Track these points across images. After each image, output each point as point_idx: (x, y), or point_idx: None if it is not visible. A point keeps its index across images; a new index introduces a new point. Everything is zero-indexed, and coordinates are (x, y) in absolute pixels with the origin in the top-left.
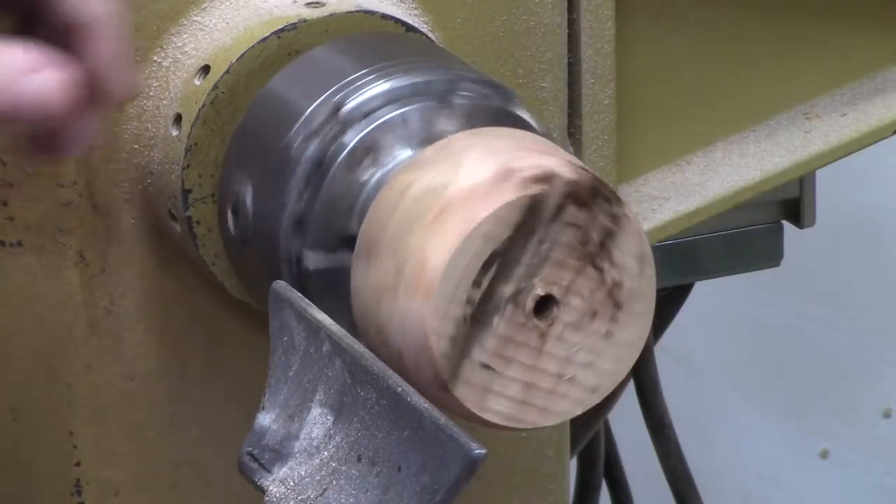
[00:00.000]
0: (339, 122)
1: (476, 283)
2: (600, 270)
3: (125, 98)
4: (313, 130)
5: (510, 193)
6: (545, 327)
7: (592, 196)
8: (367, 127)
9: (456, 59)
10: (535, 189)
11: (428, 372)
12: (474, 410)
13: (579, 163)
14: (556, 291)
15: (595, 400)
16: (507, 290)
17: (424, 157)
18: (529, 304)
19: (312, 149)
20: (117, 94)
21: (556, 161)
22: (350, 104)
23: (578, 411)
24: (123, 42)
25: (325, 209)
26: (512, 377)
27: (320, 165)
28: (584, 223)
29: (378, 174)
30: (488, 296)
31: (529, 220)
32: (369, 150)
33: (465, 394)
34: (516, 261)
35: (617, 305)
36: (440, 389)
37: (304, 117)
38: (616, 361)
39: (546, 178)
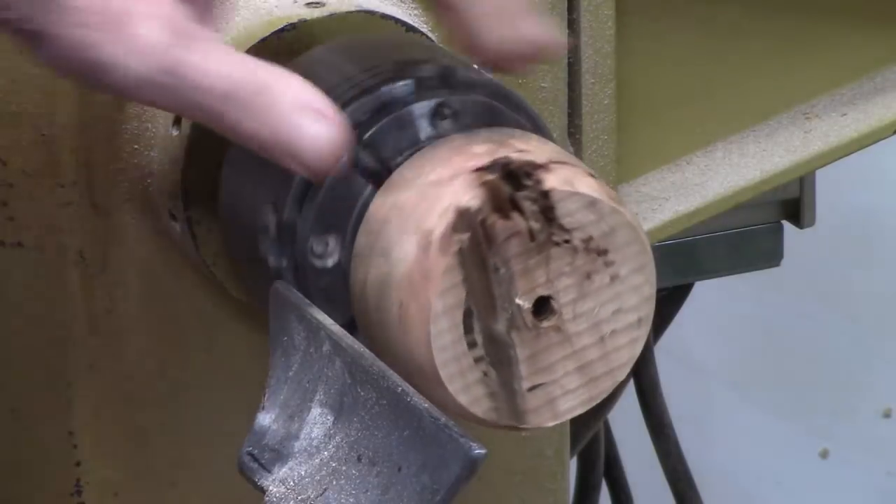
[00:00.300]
0: (288, 227)
1: (471, 345)
2: (564, 242)
3: (546, 55)
4: (274, 238)
5: (440, 260)
6: (556, 321)
7: (514, 187)
8: (310, 217)
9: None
10: (458, 240)
11: (496, 428)
12: (553, 423)
13: (479, 158)
14: (540, 291)
15: (646, 328)
16: (501, 325)
17: (360, 248)
18: (528, 318)
19: (285, 261)
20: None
21: (458, 186)
22: (286, 209)
23: (640, 347)
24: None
25: (325, 305)
26: (563, 374)
27: (297, 270)
28: (520, 226)
29: (344, 258)
30: (489, 342)
31: (473, 265)
32: (326, 233)
33: (537, 419)
34: (489, 300)
35: (602, 253)
36: (518, 431)
37: (259, 225)
38: (637, 291)
39: (458, 221)
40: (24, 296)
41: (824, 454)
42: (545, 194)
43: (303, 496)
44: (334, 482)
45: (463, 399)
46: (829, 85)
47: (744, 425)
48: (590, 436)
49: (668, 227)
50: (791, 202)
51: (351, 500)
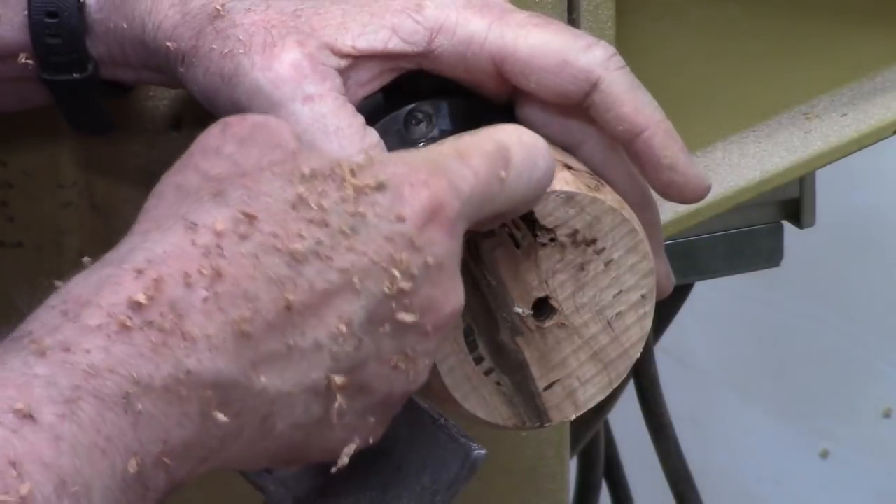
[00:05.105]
0: None
1: (478, 360)
2: (550, 241)
3: (699, 194)
4: None
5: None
6: (558, 318)
7: None
8: None
9: None
10: None
11: (523, 431)
12: (577, 414)
13: None
14: (536, 294)
15: (651, 303)
16: (504, 335)
17: None
18: (530, 322)
19: None
20: (689, 193)
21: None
22: None
23: (649, 322)
24: (678, 143)
25: None
26: (577, 366)
27: None
28: (502, 237)
29: None
30: (496, 352)
31: (464, 285)
32: None
33: (559, 415)
34: (487, 315)
35: (590, 243)
36: (545, 429)
37: None
38: (634, 269)
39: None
40: (24, 296)
41: (824, 454)
42: None
43: (302, 496)
44: (334, 482)
45: (481, 413)
46: (829, 85)
47: (744, 425)
48: (590, 436)
49: (668, 227)
50: (791, 202)
51: (351, 499)
